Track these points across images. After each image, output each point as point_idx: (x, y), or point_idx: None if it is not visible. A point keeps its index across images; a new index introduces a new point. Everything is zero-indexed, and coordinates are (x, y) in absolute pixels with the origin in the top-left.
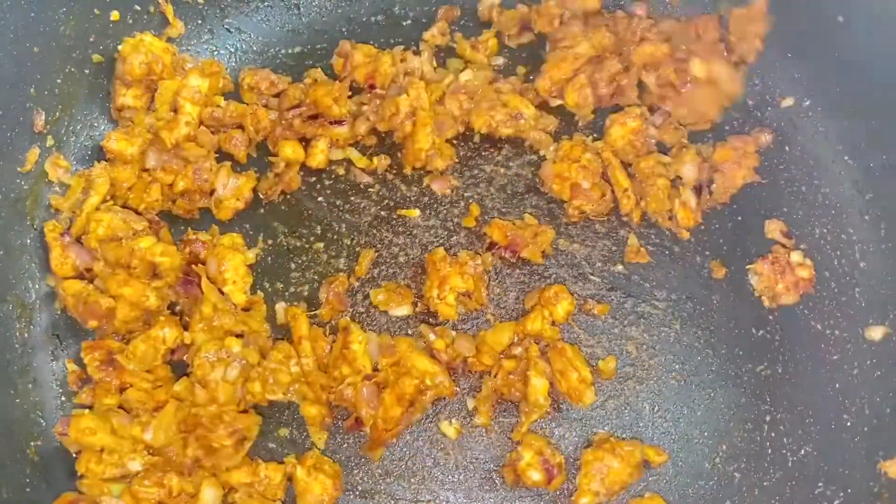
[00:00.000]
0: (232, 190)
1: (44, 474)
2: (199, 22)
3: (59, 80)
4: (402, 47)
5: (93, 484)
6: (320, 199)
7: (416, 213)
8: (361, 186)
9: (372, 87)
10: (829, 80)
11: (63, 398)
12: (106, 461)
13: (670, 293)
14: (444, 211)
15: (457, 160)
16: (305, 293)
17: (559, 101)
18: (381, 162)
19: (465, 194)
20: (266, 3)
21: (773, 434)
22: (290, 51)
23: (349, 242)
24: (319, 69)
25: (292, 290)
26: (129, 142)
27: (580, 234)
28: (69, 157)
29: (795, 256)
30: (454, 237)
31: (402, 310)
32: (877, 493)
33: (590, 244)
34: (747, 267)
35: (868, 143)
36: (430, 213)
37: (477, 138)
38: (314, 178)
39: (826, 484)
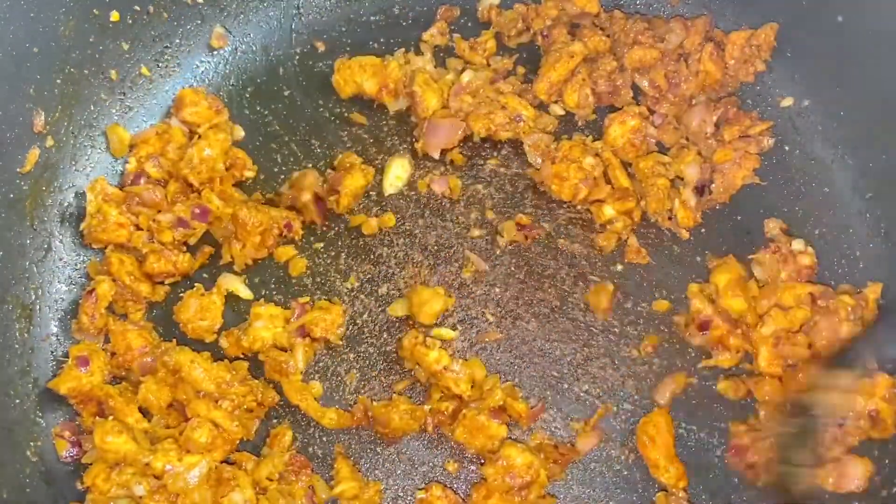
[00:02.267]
0: None
1: (44, 475)
2: (199, 23)
3: (59, 80)
4: (402, 50)
5: (99, 498)
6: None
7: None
8: None
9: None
10: (829, 80)
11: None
12: (113, 480)
13: (670, 293)
14: (444, 211)
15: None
16: None
17: (560, 110)
18: None
19: (465, 194)
20: (265, 4)
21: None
22: (290, 51)
23: (350, 242)
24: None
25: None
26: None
27: (580, 234)
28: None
29: (797, 245)
30: (454, 237)
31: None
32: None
33: (590, 244)
34: (750, 257)
35: (868, 143)
36: (429, 214)
37: (477, 138)
38: None
39: None
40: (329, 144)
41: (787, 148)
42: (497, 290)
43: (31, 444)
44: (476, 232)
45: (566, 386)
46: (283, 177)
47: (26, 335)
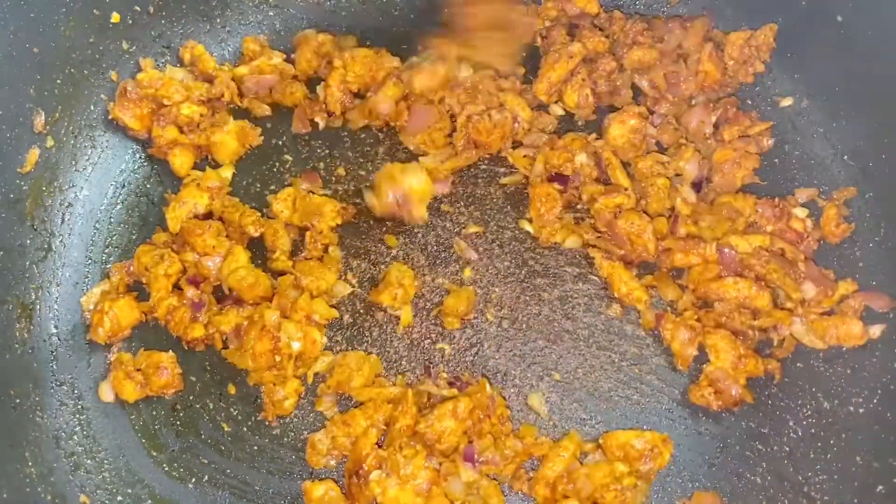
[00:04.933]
0: None
1: (44, 475)
2: (198, 25)
3: (59, 81)
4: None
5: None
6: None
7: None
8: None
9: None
10: (829, 80)
11: (65, 399)
12: None
13: None
14: (444, 211)
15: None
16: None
17: (560, 110)
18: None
19: (465, 194)
20: (264, 5)
21: (769, 429)
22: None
23: (347, 242)
24: None
25: None
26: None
27: None
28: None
29: (799, 211)
30: (454, 237)
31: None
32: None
33: None
34: None
35: (868, 143)
36: (429, 214)
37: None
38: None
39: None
40: (329, 144)
41: (786, 148)
42: (497, 290)
43: (31, 444)
44: (474, 230)
45: (567, 385)
46: (281, 177)
47: (26, 335)
